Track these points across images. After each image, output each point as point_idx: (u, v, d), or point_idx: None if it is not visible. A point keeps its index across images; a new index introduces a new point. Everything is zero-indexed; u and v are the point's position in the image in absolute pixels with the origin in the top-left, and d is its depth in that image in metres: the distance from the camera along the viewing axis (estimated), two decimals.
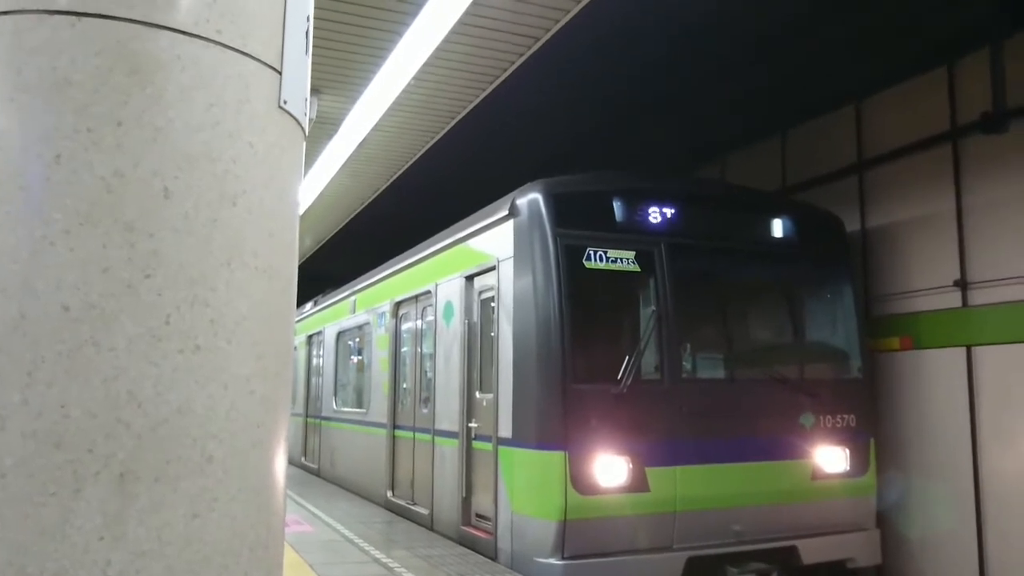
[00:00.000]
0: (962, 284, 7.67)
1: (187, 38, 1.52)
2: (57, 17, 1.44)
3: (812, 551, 6.86)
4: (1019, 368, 7.14)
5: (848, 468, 7.20)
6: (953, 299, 7.78)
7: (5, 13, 1.45)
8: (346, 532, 8.27)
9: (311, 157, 9.73)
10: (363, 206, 12.70)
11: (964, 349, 7.64)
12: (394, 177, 10.96)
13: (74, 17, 1.44)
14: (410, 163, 10.29)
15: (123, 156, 1.44)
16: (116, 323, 1.41)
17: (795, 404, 7.06)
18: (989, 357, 7.45)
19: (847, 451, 7.21)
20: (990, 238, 7.49)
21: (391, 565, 6.77)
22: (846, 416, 7.27)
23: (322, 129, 8.85)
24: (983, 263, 7.53)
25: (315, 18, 1.85)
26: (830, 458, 7.11)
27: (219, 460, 1.51)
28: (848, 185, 9.03)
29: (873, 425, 7.56)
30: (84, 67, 1.44)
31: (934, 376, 7.90)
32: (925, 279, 8.05)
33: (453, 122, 8.74)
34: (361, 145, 9.32)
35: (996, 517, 7.36)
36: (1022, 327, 7.10)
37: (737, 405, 6.86)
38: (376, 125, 8.71)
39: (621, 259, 6.71)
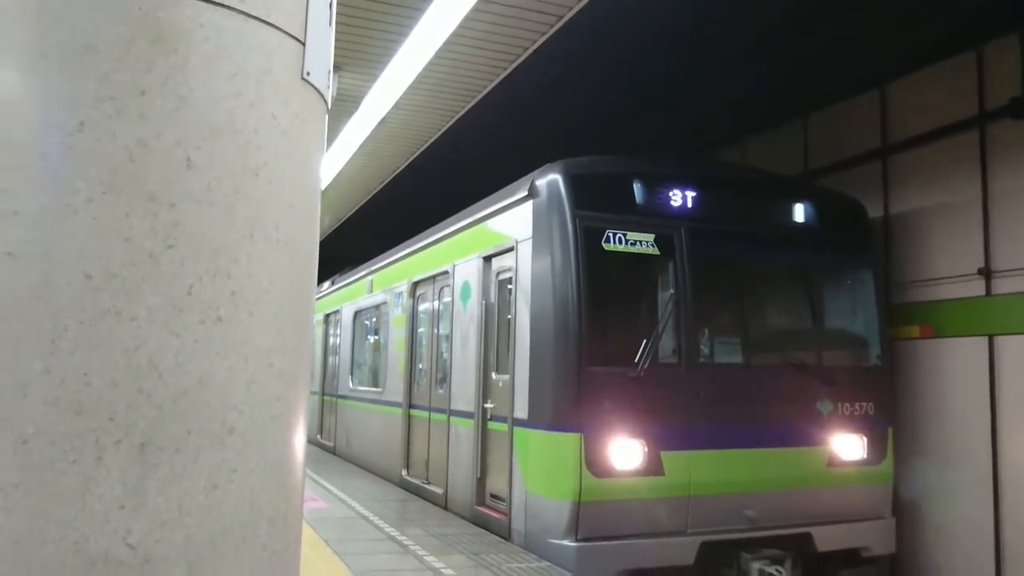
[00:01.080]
0: (986, 272, 7.55)
1: (211, 7, 1.51)
2: None
3: (827, 538, 6.84)
4: None
5: (865, 456, 7.16)
6: (977, 287, 7.67)
7: None
8: (361, 510, 8.34)
9: (331, 135, 9.71)
10: (382, 186, 12.69)
11: (986, 338, 7.54)
12: (414, 156, 10.93)
13: None
14: (430, 142, 10.25)
15: (146, 125, 1.43)
16: (138, 293, 1.40)
17: (812, 391, 7.02)
18: (1012, 347, 7.34)
19: (864, 439, 7.16)
20: (1016, 226, 7.37)
21: (406, 543, 6.82)
22: (864, 404, 7.22)
23: (342, 107, 8.83)
24: (1008, 251, 7.42)
25: None
26: (847, 446, 7.07)
27: (239, 432, 1.51)
28: (871, 170, 8.90)
29: (892, 413, 7.50)
30: (107, 35, 1.43)
31: (955, 365, 7.82)
32: (948, 267, 7.94)
33: (473, 101, 8.69)
34: (381, 123, 9.29)
35: (1014, 508, 7.30)
36: None
37: (754, 390, 6.83)
38: (396, 103, 8.67)
39: (640, 242, 6.67)
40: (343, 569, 5.91)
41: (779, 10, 7.70)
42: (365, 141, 10.03)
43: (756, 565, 6.40)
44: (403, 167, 11.51)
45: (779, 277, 7.80)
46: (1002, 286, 7.49)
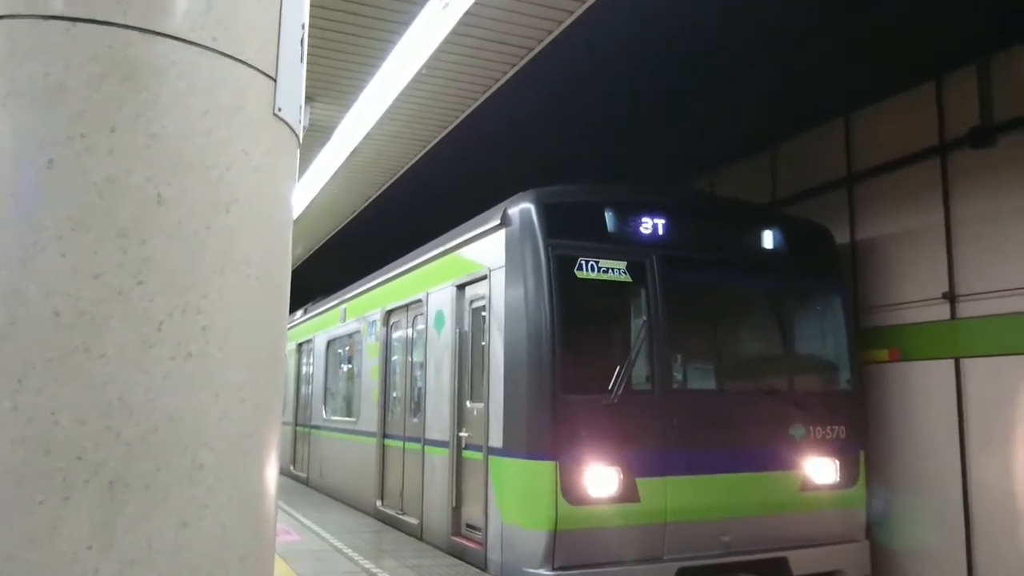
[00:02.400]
0: (950, 296, 7.71)
1: (182, 45, 1.52)
2: (51, 22, 1.44)
3: (802, 563, 6.87)
4: (1007, 380, 7.17)
5: (838, 480, 7.22)
6: (942, 311, 7.81)
7: None
8: (335, 542, 8.23)
9: (302, 165, 9.71)
10: (354, 215, 12.69)
11: (952, 361, 7.67)
12: (386, 186, 10.97)
13: (68, 23, 1.44)
14: (402, 172, 10.30)
15: (116, 162, 1.44)
16: (107, 329, 1.40)
17: (785, 415, 7.09)
18: (977, 369, 7.48)
19: (837, 463, 7.24)
20: (978, 251, 7.54)
21: (381, 575, 6.73)
22: (836, 427, 7.30)
23: (314, 137, 8.86)
24: (971, 276, 7.59)
25: (309, 26, 1.85)
26: (820, 470, 7.14)
27: (210, 468, 1.50)
28: (838, 198, 9.07)
29: (863, 437, 7.59)
30: (78, 73, 1.43)
31: (922, 388, 7.94)
32: (914, 291, 8.10)
33: (445, 131, 8.77)
34: (353, 153, 9.33)
35: (985, 529, 7.37)
36: (1010, 339, 7.14)
37: (728, 416, 6.88)
38: (368, 134, 8.73)
39: (613, 269, 6.73)
40: None
41: (745, 40, 7.86)
42: (337, 171, 10.07)
43: None
44: (375, 196, 11.54)
45: (750, 303, 7.89)
46: (966, 310, 7.64)
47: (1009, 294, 7.21)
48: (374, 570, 6.95)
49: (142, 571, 1.39)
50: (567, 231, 6.66)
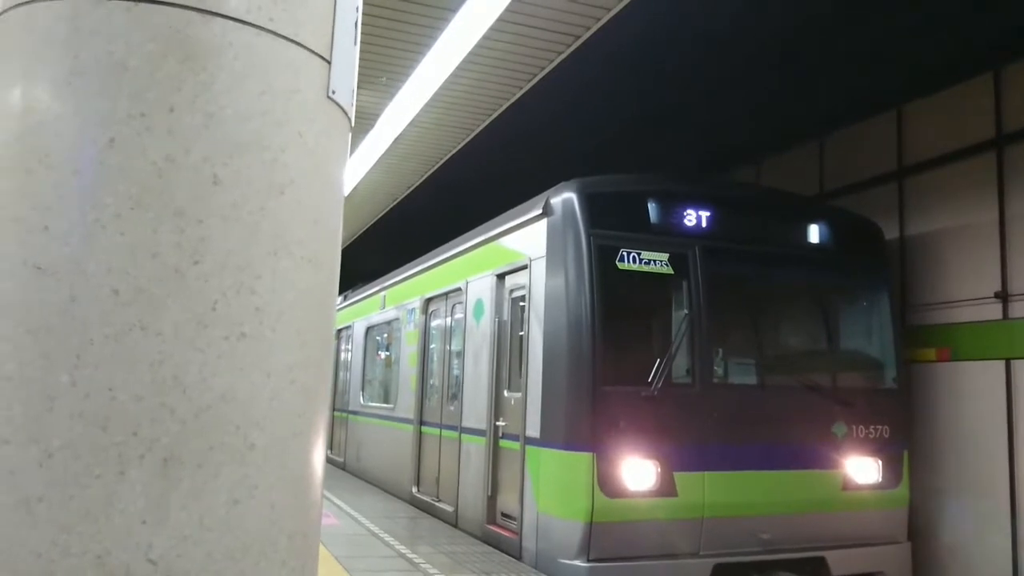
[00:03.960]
0: (1003, 296, 7.50)
1: (239, 25, 1.52)
2: (113, 2, 1.45)
3: (841, 563, 6.78)
4: None
5: (880, 479, 7.11)
6: (994, 311, 7.61)
7: None
8: (371, 526, 8.32)
9: None
10: (396, 202, 12.75)
11: (1004, 362, 7.48)
12: (428, 173, 10.99)
13: (130, 2, 1.45)
14: (444, 159, 10.31)
15: (175, 142, 1.45)
16: (163, 308, 1.41)
17: (827, 413, 6.98)
18: None
19: (880, 462, 7.12)
20: None
21: (415, 560, 6.79)
22: (880, 427, 7.17)
23: (359, 124, 8.91)
24: None
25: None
26: (862, 469, 7.03)
27: (260, 448, 1.51)
28: (887, 192, 8.88)
29: (907, 436, 7.44)
30: (139, 52, 1.45)
31: (972, 389, 7.75)
32: (965, 290, 7.90)
33: (489, 120, 8.75)
34: (396, 141, 9.36)
35: None
36: None
37: (768, 412, 6.80)
38: (412, 121, 8.74)
39: (655, 261, 6.68)
40: None
41: (795, 26, 7.71)
42: (380, 158, 10.11)
43: None
44: (418, 183, 11.57)
45: (794, 297, 7.78)
46: (1019, 310, 7.43)
47: None
48: (409, 555, 7.01)
49: (194, 546, 1.41)
50: (609, 221, 6.62)
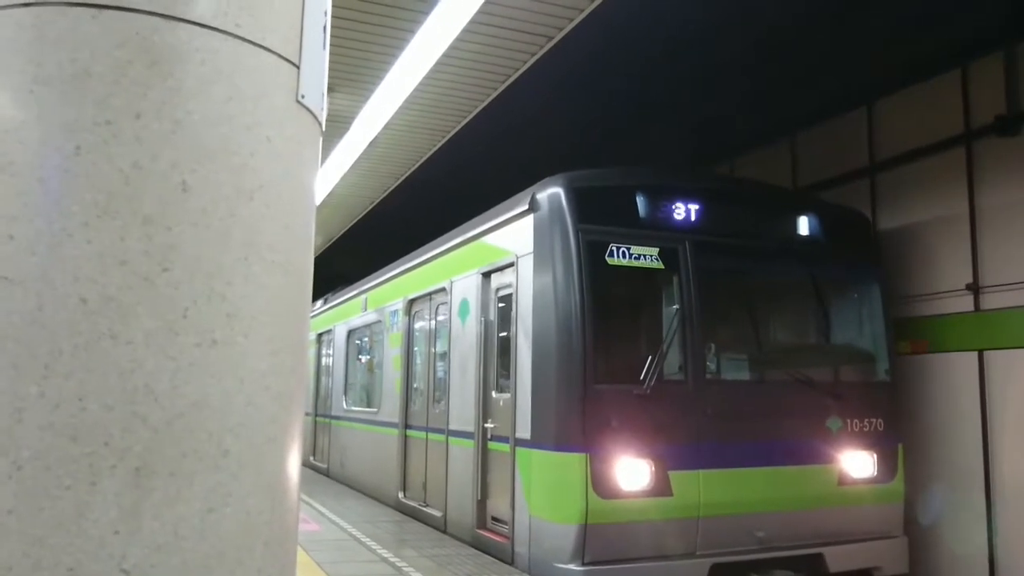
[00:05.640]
0: (974, 288, 7.61)
1: (206, 31, 1.52)
2: (78, 9, 1.45)
3: (839, 559, 6.75)
4: None
5: (876, 474, 7.11)
6: (966, 303, 7.72)
7: (26, 5, 1.45)
8: (354, 531, 8.28)
9: (322, 155, 9.72)
10: (373, 205, 12.72)
11: (976, 353, 7.58)
12: (405, 176, 10.97)
13: (95, 9, 1.45)
14: (421, 162, 10.29)
15: (142, 149, 1.45)
16: (133, 316, 1.41)
17: (822, 407, 6.96)
18: (1001, 361, 7.39)
19: (875, 456, 7.12)
20: (1003, 241, 7.43)
21: (399, 564, 6.77)
22: (874, 420, 7.17)
23: (333, 127, 8.89)
24: (996, 267, 7.48)
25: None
26: (857, 463, 7.02)
27: (234, 455, 1.51)
28: (859, 188, 8.98)
29: (901, 429, 7.46)
30: (104, 59, 1.45)
31: (945, 380, 7.85)
32: (937, 283, 8.00)
33: (465, 121, 8.76)
34: (372, 144, 9.32)
35: (1007, 523, 7.29)
36: None
37: (762, 407, 6.77)
38: (387, 123, 8.72)
39: (645, 256, 6.60)
40: None
41: (766, 27, 7.79)
42: (356, 161, 10.08)
43: None
44: (394, 186, 11.55)
45: (786, 291, 7.76)
46: (990, 301, 7.54)
47: None
48: (393, 559, 6.99)
49: (169, 556, 1.40)
50: (597, 216, 6.54)
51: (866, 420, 7.13)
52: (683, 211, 6.88)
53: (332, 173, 10.78)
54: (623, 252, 6.52)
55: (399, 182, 11.50)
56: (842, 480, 6.93)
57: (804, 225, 7.46)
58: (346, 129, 9.17)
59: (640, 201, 6.79)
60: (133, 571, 1.38)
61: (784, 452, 6.71)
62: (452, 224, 9.11)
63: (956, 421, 7.85)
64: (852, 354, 7.76)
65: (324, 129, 1.87)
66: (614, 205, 6.72)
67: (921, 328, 8.18)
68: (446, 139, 9.52)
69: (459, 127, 9.09)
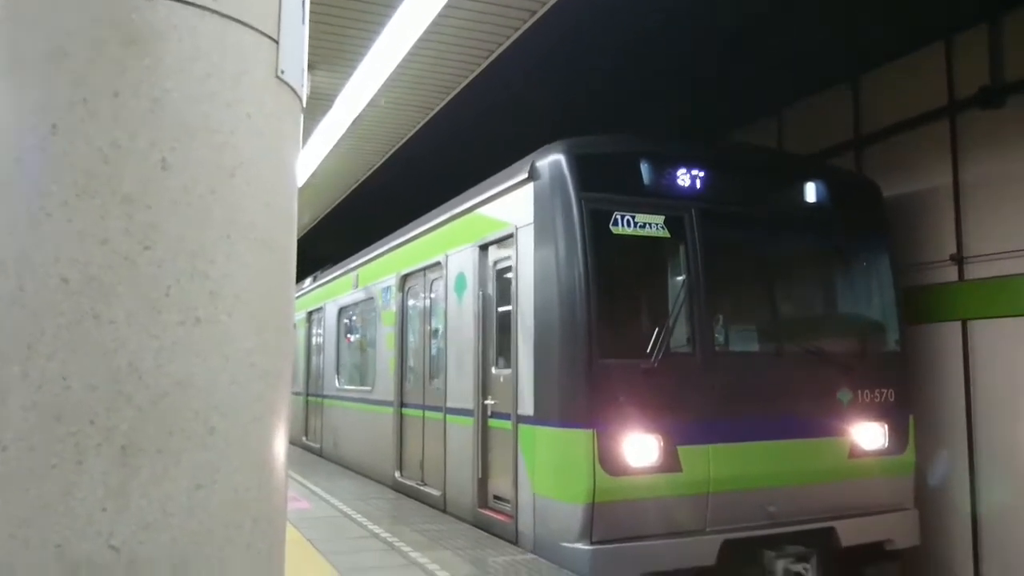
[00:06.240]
0: (958, 259, 7.67)
1: (184, 7, 1.53)
2: None
3: (851, 532, 6.65)
4: (1014, 341, 7.15)
5: (887, 445, 7.00)
6: (950, 273, 7.78)
7: None
8: (345, 508, 8.33)
9: (306, 133, 9.66)
10: (358, 183, 12.65)
11: (960, 323, 7.65)
12: (389, 153, 10.90)
13: None
14: (405, 139, 10.22)
15: (120, 127, 1.45)
16: (115, 295, 1.42)
17: (832, 379, 6.84)
18: (984, 331, 7.46)
19: (886, 427, 7.01)
20: (986, 212, 7.49)
21: (390, 540, 6.82)
22: (885, 391, 7.04)
23: (315, 105, 8.80)
24: (979, 237, 7.53)
25: None
26: (868, 435, 6.92)
27: (221, 433, 1.53)
28: (845, 161, 9.00)
29: (912, 400, 7.38)
30: (79, 38, 1.44)
31: (929, 350, 7.92)
32: (922, 253, 8.05)
33: (451, 96, 8.67)
34: (355, 121, 9.25)
35: (990, 491, 7.39)
36: (1018, 301, 7.10)
37: (772, 380, 6.64)
38: (371, 101, 8.64)
39: (650, 224, 6.39)
40: (328, 567, 5.89)
41: (747, 8, 7.75)
42: (340, 139, 10.00)
43: (781, 563, 6.22)
44: (379, 164, 11.48)
45: (795, 260, 7.56)
46: (973, 271, 7.59)
47: (1017, 255, 7.15)
48: (384, 535, 7.03)
49: (158, 533, 1.42)
50: (601, 184, 6.33)
51: (877, 391, 7.01)
52: (689, 178, 6.68)
53: (317, 151, 10.71)
54: (627, 221, 6.33)
55: (384, 159, 11.43)
56: (853, 453, 6.84)
57: (813, 192, 7.28)
58: (329, 107, 9.10)
59: (644, 168, 6.60)
60: (122, 548, 1.40)
61: (794, 425, 6.59)
62: (439, 201, 9.02)
63: (941, 391, 7.93)
64: (862, 324, 7.60)
65: (305, 105, 1.86)
66: (617, 172, 6.53)
67: (907, 298, 8.24)
68: (430, 116, 9.45)
69: (446, 102, 9.01)
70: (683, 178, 6.63)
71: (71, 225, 1.42)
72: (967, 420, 7.72)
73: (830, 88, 9.36)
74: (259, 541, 1.62)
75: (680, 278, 6.61)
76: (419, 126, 9.84)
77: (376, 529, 7.34)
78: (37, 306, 1.40)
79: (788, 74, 9.22)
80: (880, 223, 7.60)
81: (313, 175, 11.73)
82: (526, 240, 6.72)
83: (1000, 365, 7.46)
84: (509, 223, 7.06)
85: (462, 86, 8.50)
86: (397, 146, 10.72)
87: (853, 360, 7.02)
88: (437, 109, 9.25)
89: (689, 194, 6.63)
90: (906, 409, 7.17)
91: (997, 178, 7.54)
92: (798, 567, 6.21)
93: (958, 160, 7.93)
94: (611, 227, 6.24)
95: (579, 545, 5.87)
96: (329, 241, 17.26)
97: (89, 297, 1.42)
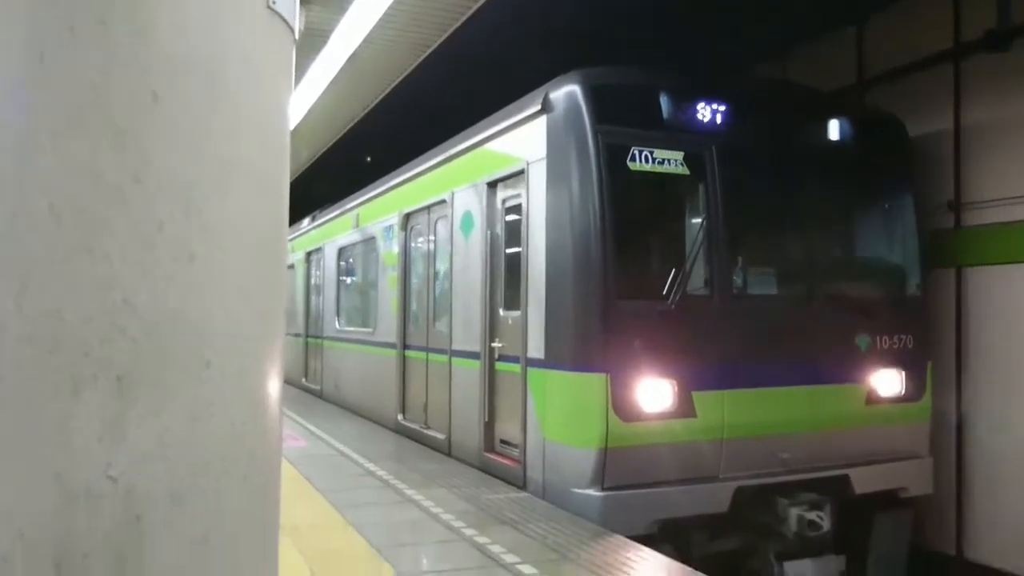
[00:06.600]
0: (956, 206, 7.63)
1: None
2: None
3: (865, 480, 6.64)
4: (1009, 289, 7.16)
5: (904, 392, 6.93)
6: (948, 220, 7.75)
7: None
8: (341, 447, 8.45)
9: (300, 70, 9.47)
10: (356, 121, 12.45)
11: (954, 270, 7.65)
12: (387, 91, 10.70)
13: None
14: (403, 76, 9.99)
15: (108, 57, 1.43)
16: (108, 230, 1.44)
17: (851, 324, 6.75)
18: (979, 278, 7.46)
19: (904, 374, 6.93)
20: (987, 159, 7.42)
21: (385, 477, 6.95)
22: (904, 336, 6.95)
23: (309, 42, 8.59)
24: (978, 185, 7.49)
25: None
26: (887, 381, 6.86)
27: (216, 367, 1.57)
28: None
29: (931, 345, 7.30)
30: None
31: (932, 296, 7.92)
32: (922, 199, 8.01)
33: (450, 31, 8.43)
34: (352, 59, 9.05)
35: (977, 439, 7.46)
36: (1013, 248, 7.09)
37: (791, 325, 6.52)
38: (367, 37, 8.44)
39: (669, 160, 6.18)
40: (324, 502, 6.01)
41: None
42: (336, 76, 9.82)
43: (795, 511, 6.19)
44: (376, 103, 11.29)
45: (818, 202, 7.30)
46: (970, 218, 7.56)
47: (1015, 202, 7.12)
48: (379, 472, 7.15)
49: (154, 463, 1.46)
50: (618, 117, 6.13)
51: (896, 337, 6.91)
52: (710, 113, 6.45)
53: (314, 87, 10.51)
54: (646, 156, 6.11)
55: (380, 99, 11.25)
56: (870, 399, 6.78)
57: (838, 130, 7.06)
58: (324, 43, 8.91)
59: (664, 101, 6.37)
60: (120, 478, 1.43)
61: (812, 371, 6.52)
62: (441, 140, 8.79)
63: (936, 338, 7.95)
64: (883, 268, 7.47)
65: (298, 39, 1.82)
66: (636, 105, 6.31)
67: None
68: (427, 53, 9.25)
69: (441, 40, 8.79)
70: (704, 113, 6.42)
71: (61, 157, 1.44)
72: (956, 367, 7.76)
73: (833, 31, 9.19)
74: (255, 474, 1.66)
75: (698, 218, 6.47)
76: (422, 58, 9.55)
77: (373, 467, 7.48)
78: (29, 239, 1.43)
79: (792, 16, 9.03)
80: (906, 163, 7.41)
81: (310, 112, 11.57)
82: (538, 176, 6.54)
83: (993, 313, 7.48)
84: (520, 158, 6.86)
85: (460, 22, 8.31)
86: (395, 83, 10.49)
87: (873, 305, 6.93)
88: (435, 46, 9.06)
89: (710, 130, 6.44)
90: (925, 355, 7.11)
91: (999, 124, 7.45)
92: (812, 515, 6.18)
93: (960, 105, 7.84)
94: (628, 163, 6.04)
95: (590, 491, 5.85)
96: (328, 181, 17.10)
97: (81, 231, 1.45)
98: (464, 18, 8.24)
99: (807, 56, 9.71)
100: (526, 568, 4.68)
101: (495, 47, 10.02)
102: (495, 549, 5.05)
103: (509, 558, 4.87)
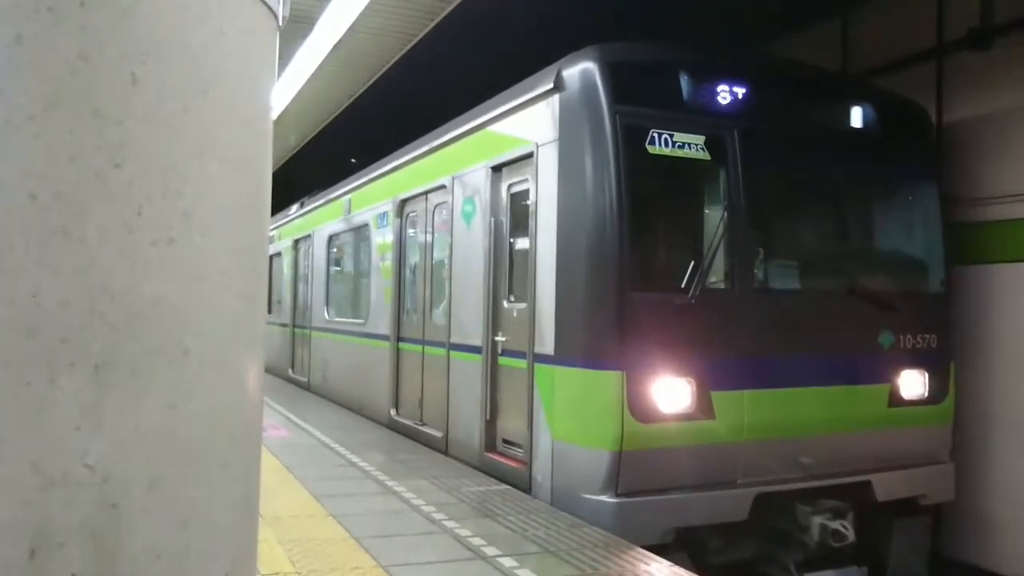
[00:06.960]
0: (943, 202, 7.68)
1: None
2: None
3: (887, 487, 6.43)
4: (993, 288, 7.19)
5: (927, 393, 6.74)
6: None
7: None
8: (323, 438, 8.43)
9: (285, 57, 9.39)
10: (342, 109, 12.39)
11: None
12: (374, 79, 10.65)
13: None
14: (397, 58, 9.91)
15: (88, 38, 1.44)
16: (86, 213, 1.44)
17: (875, 321, 6.52)
18: (962, 278, 7.50)
19: (927, 374, 6.74)
20: (969, 155, 7.45)
21: (366, 468, 6.93)
22: (928, 335, 6.72)
23: (295, 29, 8.52)
24: (961, 183, 7.51)
25: None
26: (909, 382, 6.66)
27: (196, 353, 1.58)
28: None
29: (954, 345, 7.14)
30: None
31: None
32: None
33: (440, 17, 8.34)
34: (337, 46, 8.99)
35: (971, 437, 7.49)
36: (1000, 246, 7.11)
37: (813, 321, 6.29)
38: (352, 25, 8.38)
39: (689, 144, 5.90)
40: (303, 491, 6.00)
41: None
42: (322, 63, 9.76)
43: (817, 519, 5.95)
44: (362, 91, 11.22)
45: (842, 192, 7.03)
46: (954, 214, 7.60)
47: (1000, 201, 7.15)
48: (361, 463, 7.13)
49: (132, 451, 1.46)
50: (637, 97, 5.84)
51: (920, 336, 6.67)
52: (731, 95, 6.16)
53: (300, 73, 10.43)
54: (665, 139, 5.80)
55: (367, 87, 11.18)
56: (893, 400, 6.56)
57: (864, 116, 6.80)
58: (309, 30, 8.84)
59: (685, 81, 6.08)
60: (97, 466, 1.43)
61: (834, 370, 6.30)
62: (435, 126, 8.62)
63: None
64: (907, 263, 7.25)
65: (282, 24, 1.81)
66: (655, 84, 6.02)
67: None
68: (413, 43, 9.20)
69: (434, 23, 8.70)
70: (726, 94, 6.14)
71: (39, 140, 1.46)
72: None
73: (817, 25, 9.19)
74: (234, 461, 1.66)
75: (719, 207, 6.20)
76: (415, 41, 9.46)
77: (354, 458, 7.45)
78: (5, 222, 1.45)
79: (774, 10, 9.02)
80: (929, 151, 7.23)
81: (297, 98, 11.49)
82: (548, 159, 6.23)
83: (975, 312, 7.48)
84: (529, 141, 6.55)
85: (447, 11, 8.26)
86: (390, 64, 10.37)
87: (897, 301, 6.67)
88: (420, 36, 9.01)
89: (732, 112, 6.17)
90: (948, 355, 6.92)
91: (983, 121, 7.46)
92: (836, 524, 5.92)
93: (943, 103, 7.85)
94: (647, 146, 5.76)
95: (603, 497, 5.58)
96: (316, 167, 16.98)
97: (58, 214, 1.47)
98: (451, 7, 8.18)
99: (789, 50, 9.72)
100: (507, 560, 4.61)
101: (483, 36, 9.97)
102: (476, 541, 4.98)
103: (490, 550, 4.80)
